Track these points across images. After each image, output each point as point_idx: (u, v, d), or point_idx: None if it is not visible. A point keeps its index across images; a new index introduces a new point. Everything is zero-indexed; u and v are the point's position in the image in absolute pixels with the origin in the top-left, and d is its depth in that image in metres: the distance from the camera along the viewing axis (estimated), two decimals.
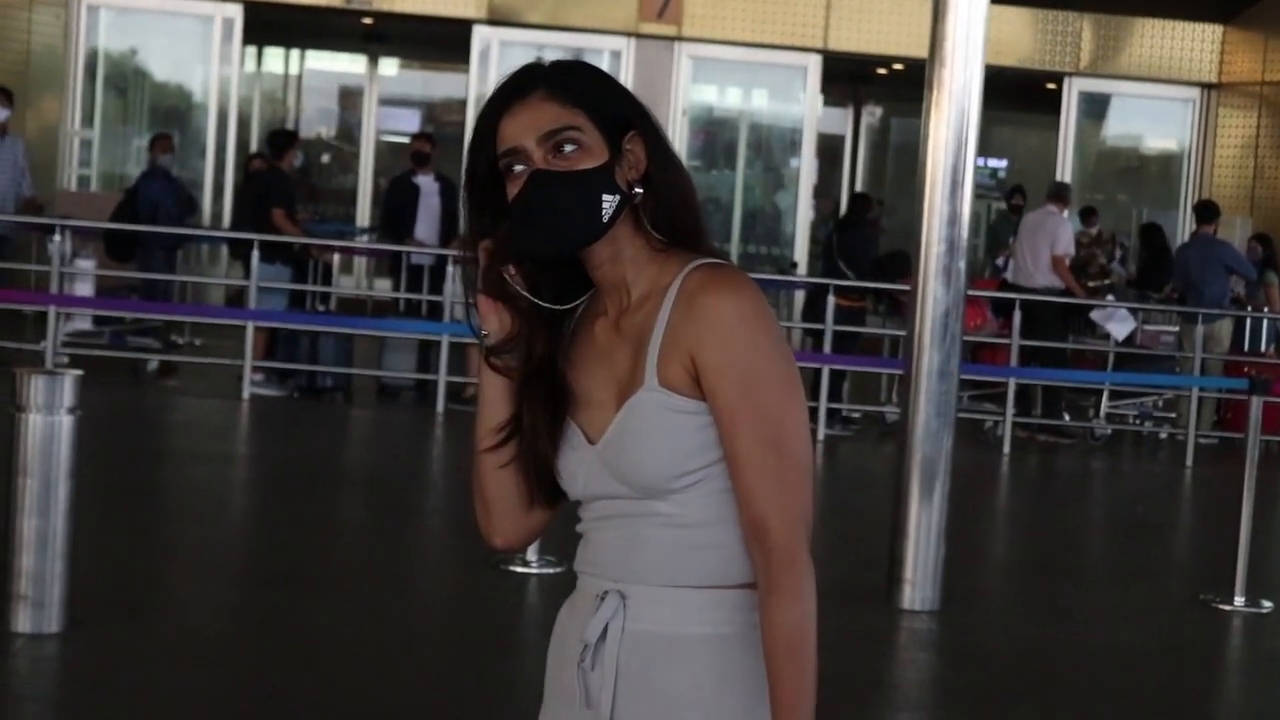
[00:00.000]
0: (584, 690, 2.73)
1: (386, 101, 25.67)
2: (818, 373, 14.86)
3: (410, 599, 8.78)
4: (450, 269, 15.06)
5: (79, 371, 7.35)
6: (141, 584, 8.50)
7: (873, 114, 27.04)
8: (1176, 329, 16.82)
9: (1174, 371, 16.47)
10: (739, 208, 22.44)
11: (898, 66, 22.70)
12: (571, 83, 2.67)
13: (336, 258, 18.76)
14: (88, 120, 20.95)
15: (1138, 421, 16.83)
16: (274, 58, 26.43)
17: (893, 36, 21.20)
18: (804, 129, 22.13)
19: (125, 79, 21.76)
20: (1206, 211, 17.15)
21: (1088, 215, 19.00)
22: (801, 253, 21.85)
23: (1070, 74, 22.21)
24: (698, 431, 2.63)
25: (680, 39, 21.27)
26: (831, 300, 15.23)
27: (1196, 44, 22.05)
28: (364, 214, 23.32)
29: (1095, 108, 23.10)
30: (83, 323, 16.24)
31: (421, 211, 15.72)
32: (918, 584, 8.99)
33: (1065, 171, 21.93)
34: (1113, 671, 8.39)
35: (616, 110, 2.68)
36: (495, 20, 21.02)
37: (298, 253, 15.65)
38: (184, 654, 7.40)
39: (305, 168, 19.16)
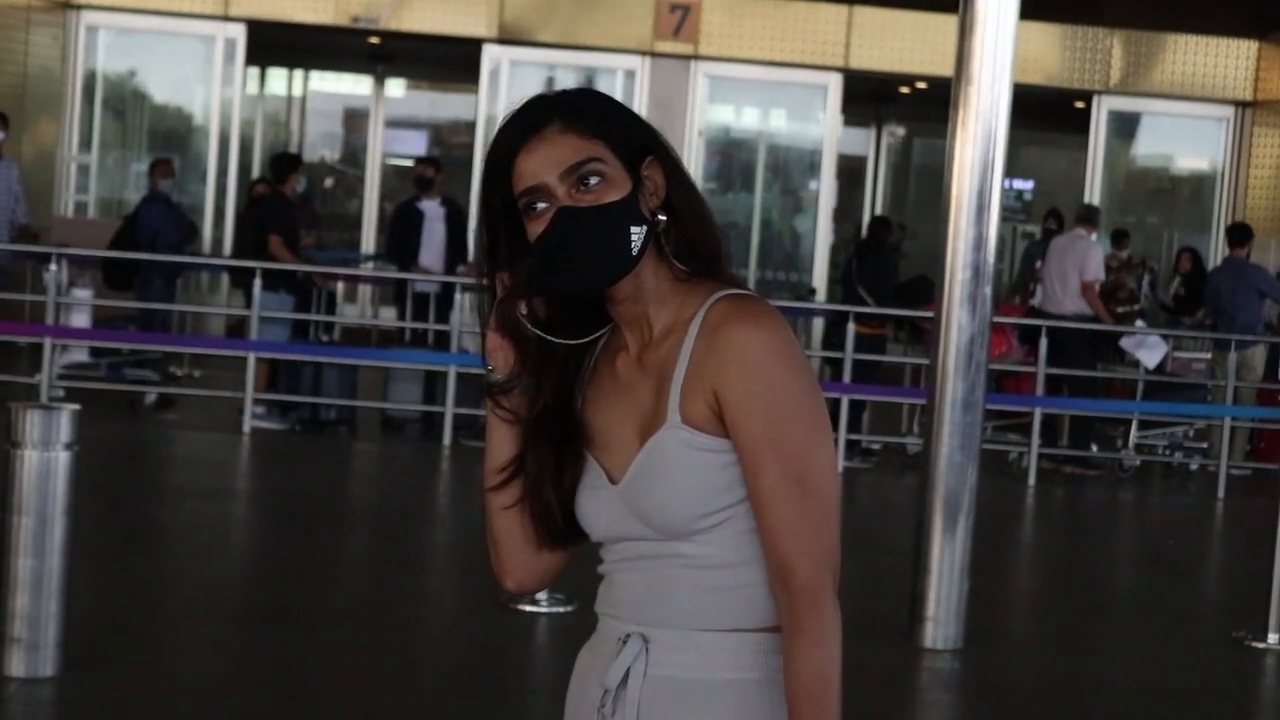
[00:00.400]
0: None
1: (393, 123, 25.52)
2: (837, 403, 14.68)
3: (416, 639, 8.66)
4: (458, 297, 14.87)
5: (76, 406, 7.30)
6: (139, 624, 8.44)
7: (895, 134, 26.76)
8: (1208, 356, 16.49)
9: (1205, 400, 16.19)
10: (756, 232, 22.28)
11: (921, 85, 22.46)
12: (586, 112, 2.63)
13: (340, 286, 18.59)
14: (85, 144, 20.83)
15: (1168, 452, 16.60)
16: (277, 79, 26.34)
17: (916, 54, 20.95)
18: (824, 150, 21.90)
19: (124, 101, 21.68)
20: (1239, 234, 16.86)
21: (1120, 238, 18.64)
22: (821, 278, 21.65)
23: (1099, 92, 21.92)
24: (722, 470, 2.60)
25: (696, 58, 21.08)
26: (851, 328, 14.95)
27: (1230, 60, 21.69)
28: (369, 240, 23.15)
29: (1125, 127, 22.79)
30: (79, 354, 16.06)
31: (425, 238, 15.56)
32: (940, 621, 8.89)
33: (1094, 193, 21.68)
34: (1142, 712, 8.37)
35: (633, 137, 2.65)
36: (506, 39, 20.82)
37: (301, 281, 15.46)
38: (183, 696, 7.36)
39: (308, 193, 18.91)
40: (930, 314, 9.58)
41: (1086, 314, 15.80)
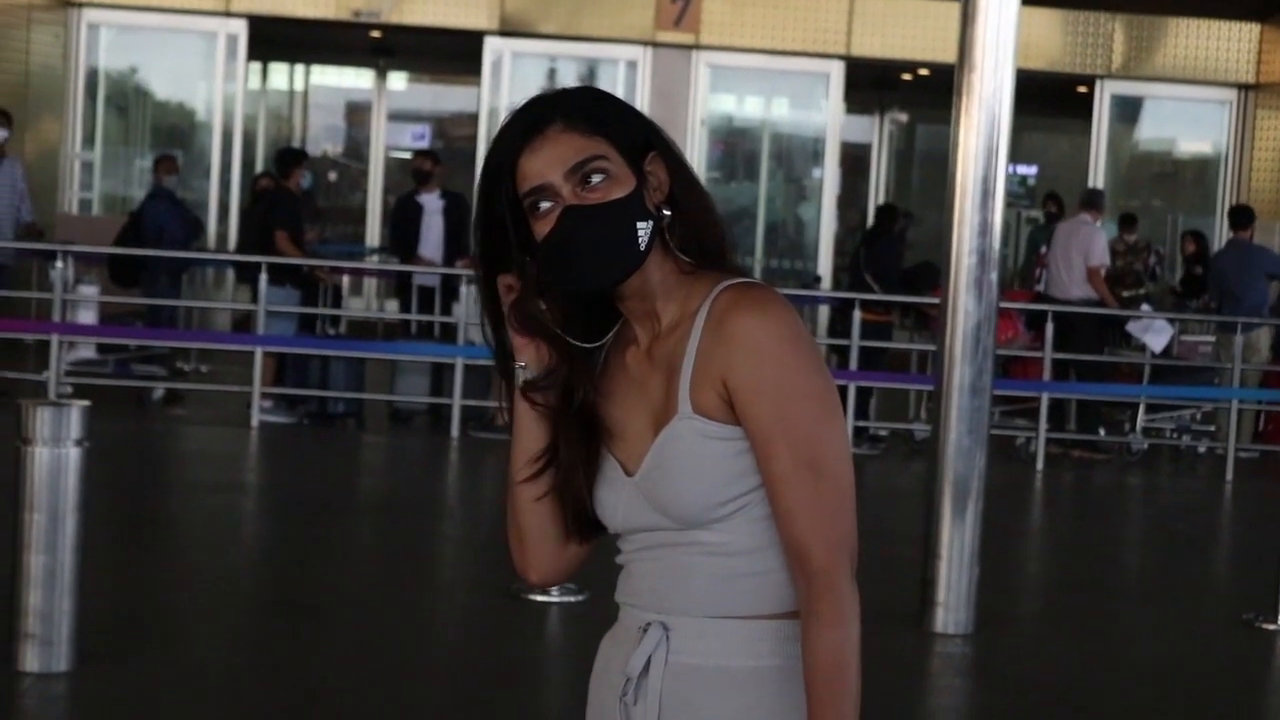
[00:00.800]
0: None
1: (396, 116, 25.47)
2: (844, 390, 14.61)
3: (427, 630, 8.68)
4: (463, 289, 14.85)
5: (86, 402, 7.30)
6: (151, 619, 8.42)
7: (898, 121, 26.73)
8: (1213, 339, 16.46)
9: (1213, 383, 16.15)
10: (761, 220, 22.25)
11: (923, 72, 22.41)
12: (588, 110, 2.63)
13: (346, 279, 18.57)
14: (88, 142, 20.81)
15: (1175, 435, 16.61)
16: (279, 73, 26.30)
17: (918, 41, 20.91)
18: (827, 138, 21.86)
19: (127, 98, 21.65)
20: (1241, 217, 16.84)
21: (1127, 222, 18.58)
22: (826, 266, 21.60)
23: (1102, 76, 21.87)
24: (735, 458, 2.60)
25: (698, 47, 21.03)
26: (857, 315, 14.90)
27: (1233, 43, 21.65)
28: (374, 233, 23.10)
29: (1128, 111, 22.75)
30: (86, 351, 16.02)
31: (425, 231, 15.51)
32: (951, 606, 8.88)
33: (1098, 177, 21.64)
34: (1152, 694, 8.36)
35: (635, 132, 2.66)
36: (507, 31, 20.78)
37: (306, 275, 15.41)
38: (196, 689, 7.34)
39: (312, 188, 18.90)
40: (936, 300, 9.56)
41: (1092, 299, 15.77)
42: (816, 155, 22.24)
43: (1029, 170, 25.91)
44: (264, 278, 14.58)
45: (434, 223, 15.64)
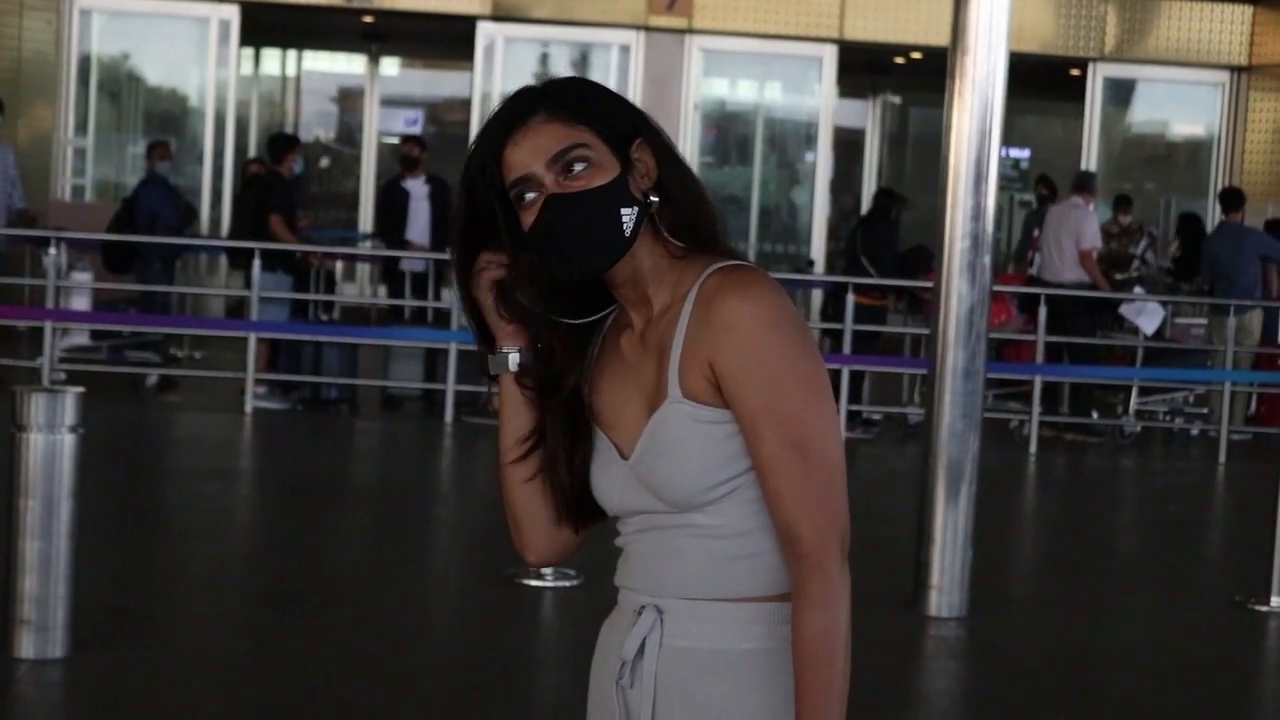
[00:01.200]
0: (624, 708, 2.73)
1: (388, 102, 25.41)
2: (838, 374, 14.62)
3: (423, 615, 8.72)
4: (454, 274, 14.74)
5: (81, 389, 7.29)
6: (147, 605, 8.47)
7: (891, 105, 26.70)
8: (1205, 321, 16.48)
9: (1205, 366, 16.14)
10: (754, 205, 22.20)
11: (916, 55, 22.37)
12: (570, 99, 2.66)
13: (340, 265, 18.56)
14: (81, 128, 20.70)
15: (1168, 418, 16.64)
16: (271, 59, 26.23)
17: (911, 25, 20.87)
18: (820, 122, 21.82)
19: (119, 85, 21.56)
20: (1232, 199, 16.86)
21: (1123, 204, 18.56)
22: (819, 250, 21.58)
23: (1095, 59, 21.82)
24: (726, 441, 2.61)
25: (691, 31, 20.98)
26: (851, 299, 14.89)
27: (1225, 25, 21.61)
28: (366, 219, 23.08)
29: (1121, 94, 22.70)
30: (80, 338, 16.05)
31: (412, 216, 15.52)
32: (945, 589, 8.91)
33: (1090, 160, 21.61)
34: (1146, 676, 8.40)
35: (620, 120, 2.67)
36: (500, 16, 20.73)
37: (299, 261, 15.38)
38: (191, 675, 7.37)
39: (304, 174, 18.87)
40: (930, 284, 9.55)
41: (1085, 282, 15.77)
42: (809, 139, 22.20)
43: (1022, 153, 25.86)
44: (257, 263, 14.56)
45: (420, 208, 15.69)
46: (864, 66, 23.69)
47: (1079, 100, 22.14)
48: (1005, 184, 23.01)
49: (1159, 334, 15.96)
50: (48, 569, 7.09)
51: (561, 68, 21.23)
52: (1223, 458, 15.08)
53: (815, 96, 21.94)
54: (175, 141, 19.12)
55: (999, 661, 8.54)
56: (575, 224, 2.60)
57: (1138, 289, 16.85)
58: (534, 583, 8.88)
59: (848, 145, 24.96)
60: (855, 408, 15.16)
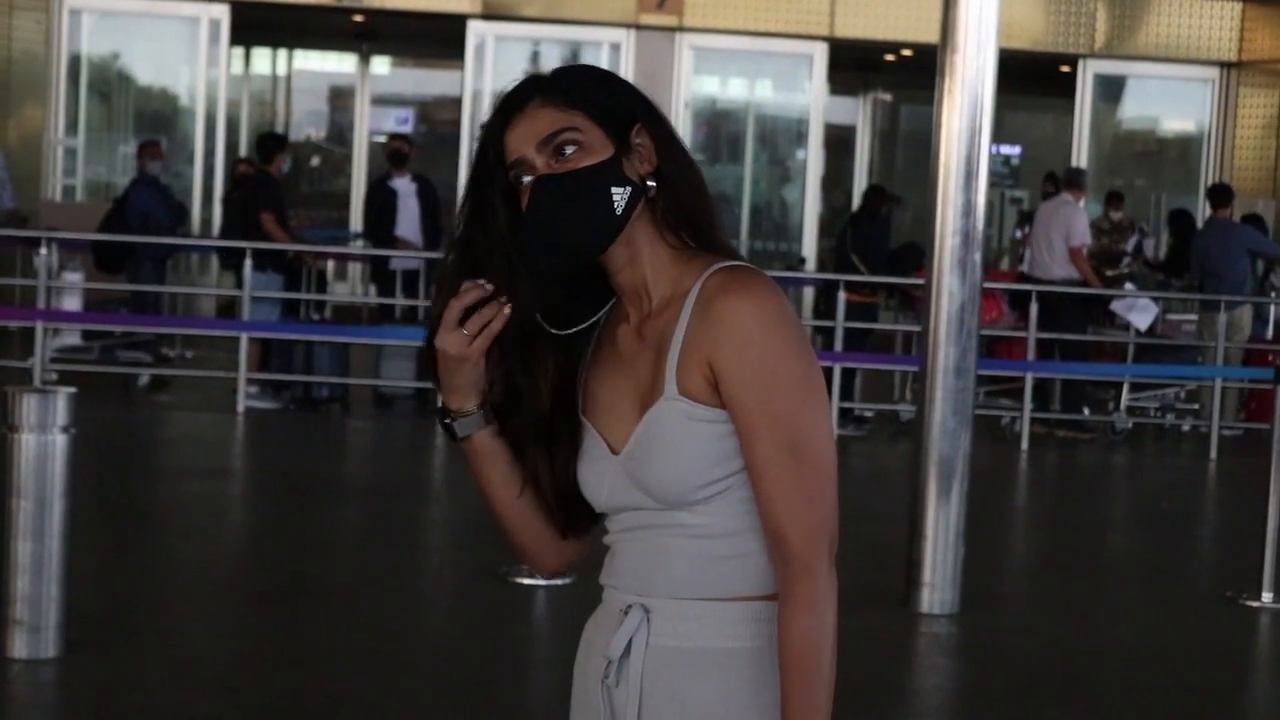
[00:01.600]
0: (609, 707, 2.72)
1: (379, 101, 25.41)
2: (829, 371, 14.56)
3: (415, 613, 8.71)
4: None
5: (72, 389, 7.30)
6: (139, 605, 8.46)
7: (882, 102, 26.71)
8: (1196, 317, 16.48)
9: (1196, 361, 16.13)
10: (745, 202, 22.20)
11: (907, 53, 22.38)
12: (565, 85, 2.67)
13: (331, 264, 18.54)
14: (72, 128, 20.70)
15: (1159, 414, 16.63)
16: (262, 58, 26.22)
17: (901, 22, 20.88)
18: (810, 119, 21.83)
19: (109, 84, 21.55)
20: (1221, 195, 16.87)
21: (1114, 200, 18.55)
22: (810, 247, 21.58)
23: (1084, 56, 21.86)
24: (719, 441, 2.61)
25: (681, 29, 21.00)
26: (842, 296, 14.88)
27: (1215, 22, 21.64)
28: (357, 218, 23.04)
29: (1111, 90, 22.74)
30: (71, 338, 16.03)
31: (401, 215, 15.49)
32: (936, 586, 8.90)
33: (1081, 157, 21.64)
34: (1139, 672, 8.37)
35: (617, 105, 2.68)
36: (490, 15, 20.74)
37: (290, 260, 15.36)
38: (184, 675, 7.36)
39: (293, 173, 18.87)
40: (921, 281, 9.56)
41: (1075, 278, 15.75)
42: (800, 137, 22.22)
43: (1012, 150, 25.88)
44: (248, 263, 14.56)
45: (409, 206, 15.67)
46: (854, 64, 23.71)
47: (1069, 96, 22.17)
48: (996, 181, 23.06)
49: (1150, 330, 15.97)
50: (40, 569, 7.08)
51: (552, 66, 21.22)
52: (1214, 453, 15.08)
53: (806, 94, 21.96)
54: (166, 141, 19.07)
55: (990, 658, 8.54)
56: (564, 203, 2.61)
57: (1128, 285, 16.85)
58: (526, 581, 8.87)
59: (839, 143, 24.98)
60: (847, 405, 15.13)
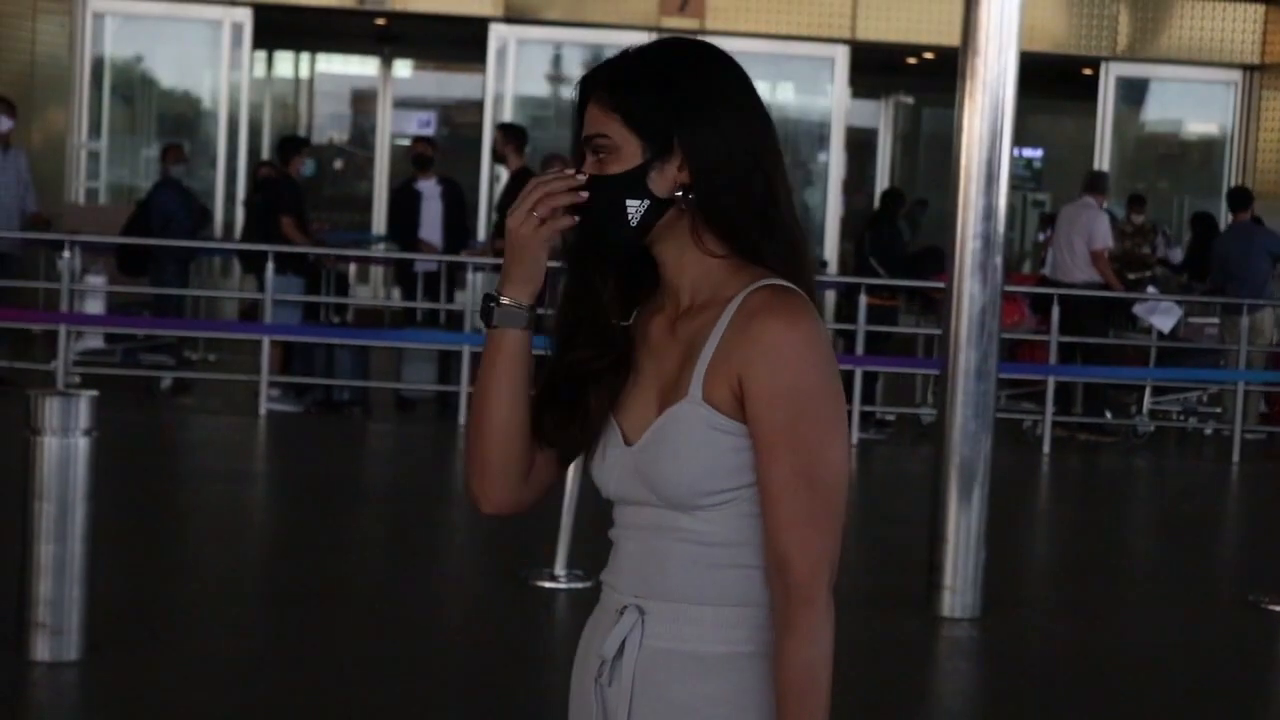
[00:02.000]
0: (601, 707, 2.75)
1: (401, 104, 25.40)
2: (850, 374, 14.54)
3: (436, 616, 8.71)
4: (469, 276, 14.86)
5: (95, 392, 7.32)
6: (161, 607, 8.49)
7: (904, 105, 26.68)
8: (1218, 321, 16.44)
9: (1218, 365, 16.09)
10: None
11: (929, 56, 22.35)
12: (616, 84, 2.68)
13: (353, 267, 18.55)
14: (95, 131, 20.68)
15: (1182, 418, 16.61)
16: (284, 62, 26.24)
17: (923, 25, 20.83)
18: (832, 122, 21.80)
19: (132, 88, 21.55)
20: (1241, 199, 16.84)
21: (1136, 203, 18.51)
22: (832, 251, 21.54)
23: (1107, 58, 21.76)
24: (734, 453, 2.62)
25: (703, 32, 20.91)
26: (863, 299, 14.87)
27: (1238, 24, 21.56)
28: (380, 221, 23.06)
29: (1133, 93, 22.64)
30: (94, 341, 16.04)
31: (425, 218, 15.48)
32: (958, 590, 8.90)
33: (1103, 160, 21.55)
34: (1161, 676, 8.38)
35: (661, 112, 2.67)
36: (512, 18, 20.73)
37: (311, 263, 15.38)
38: (206, 677, 7.41)
39: (315, 175, 18.86)
40: (942, 284, 9.55)
41: (1097, 282, 15.72)
42: (822, 139, 22.17)
43: (1034, 153, 25.85)
44: (270, 266, 14.58)
45: (433, 208, 15.65)
46: (876, 67, 23.66)
47: (1091, 99, 22.07)
48: (1018, 184, 23.02)
49: (1173, 333, 15.94)
50: (62, 572, 7.11)
51: (574, 70, 21.24)
52: (1236, 457, 15.04)
53: (827, 97, 21.93)
54: (189, 144, 19.12)
55: (1012, 662, 8.55)
56: (591, 205, 2.65)
57: (1150, 289, 16.81)
58: (547, 584, 8.91)
59: (860, 145, 24.96)
60: (868, 408, 15.11)
